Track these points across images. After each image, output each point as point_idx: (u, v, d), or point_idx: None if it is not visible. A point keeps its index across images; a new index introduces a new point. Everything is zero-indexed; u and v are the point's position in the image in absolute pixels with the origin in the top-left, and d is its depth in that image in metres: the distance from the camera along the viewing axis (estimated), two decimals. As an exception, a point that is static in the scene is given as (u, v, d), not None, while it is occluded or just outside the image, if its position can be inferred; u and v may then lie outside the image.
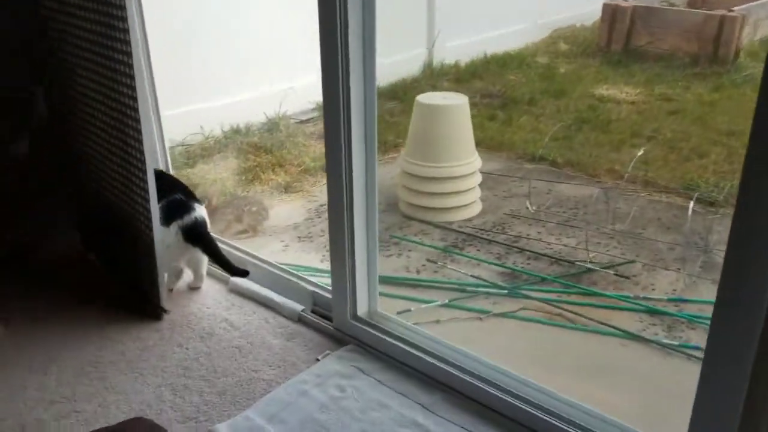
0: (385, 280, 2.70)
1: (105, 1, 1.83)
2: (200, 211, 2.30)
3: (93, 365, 2.05)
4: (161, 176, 2.24)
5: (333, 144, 1.90)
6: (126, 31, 1.79)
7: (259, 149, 3.69)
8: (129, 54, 1.81)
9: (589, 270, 2.74)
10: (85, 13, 1.97)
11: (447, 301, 2.55)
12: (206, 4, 3.75)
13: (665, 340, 2.32)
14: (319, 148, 3.84)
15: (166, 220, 2.18)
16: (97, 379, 1.99)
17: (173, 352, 2.10)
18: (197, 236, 2.27)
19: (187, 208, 2.25)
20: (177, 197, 2.24)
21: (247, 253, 2.49)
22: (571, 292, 2.62)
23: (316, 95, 4.23)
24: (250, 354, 2.08)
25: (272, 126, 3.96)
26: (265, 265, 2.41)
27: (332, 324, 2.15)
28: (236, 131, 3.92)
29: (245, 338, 2.15)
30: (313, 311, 2.24)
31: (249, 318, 2.25)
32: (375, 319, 2.11)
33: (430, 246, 2.97)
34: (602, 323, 2.41)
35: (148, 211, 2.00)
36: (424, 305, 2.54)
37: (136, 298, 2.29)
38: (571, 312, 2.47)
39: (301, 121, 4.20)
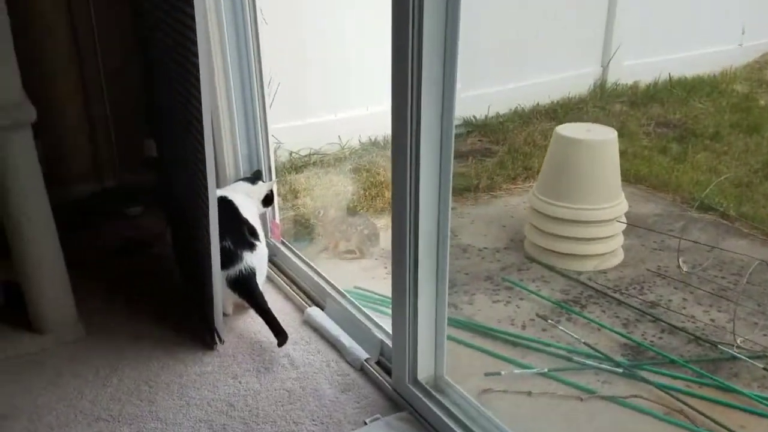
0: (482, 331, 2.42)
1: (181, 10, 1.75)
2: (249, 259, 2.17)
3: (149, 384, 2.01)
4: (226, 208, 2.16)
5: (399, 182, 1.67)
6: (195, 53, 1.69)
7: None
8: (197, 78, 1.72)
9: (733, 357, 2.24)
10: (171, 31, 1.93)
11: (546, 369, 2.21)
12: (352, 14, 3.64)
13: (813, 472, 1.81)
14: (456, 168, 3.61)
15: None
16: (146, 401, 1.94)
17: (225, 383, 2.00)
18: (241, 289, 2.16)
19: (233, 258, 2.14)
20: (225, 245, 2.10)
21: (332, 285, 2.34)
22: (702, 382, 2.15)
23: (463, 110, 4.04)
24: (298, 401, 1.92)
25: (412, 141, 3.78)
26: (343, 301, 2.24)
27: (391, 383, 1.93)
28: (374, 143, 3.80)
29: (300, 381, 2.00)
30: (378, 362, 2.03)
31: (312, 358, 2.10)
32: (438, 386, 1.85)
33: (545, 298, 2.62)
34: (732, 431, 1.94)
35: (209, 235, 1.91)
36: (518, 370, 2.22)
37: (201, 321, 2.23)
38: (696, 410, 2.02)
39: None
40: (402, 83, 1.56)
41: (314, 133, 3.65)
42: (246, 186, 2.44)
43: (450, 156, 1.65)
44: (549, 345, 2.34)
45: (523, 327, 2.47)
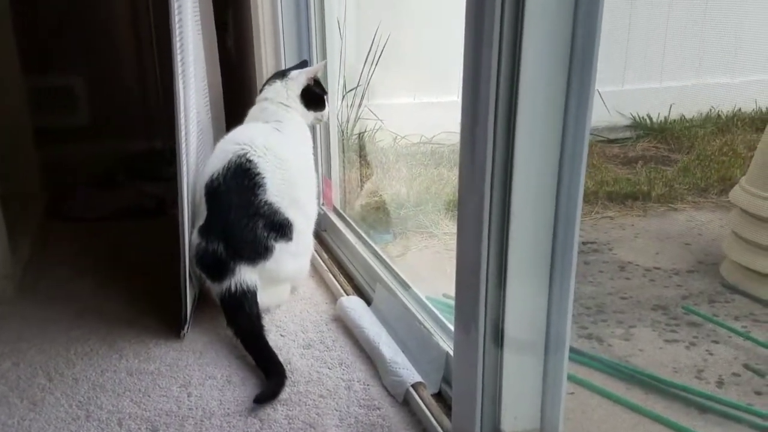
0: (645, 382, 1.39)
1: None
2: (245, 276, 1.32)
3: (50, 377, 1.20)
4: (240, 178, 1.35)
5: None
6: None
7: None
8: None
9: None
10: None
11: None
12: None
13: None
14: (620, 172, 2.64)
15: (201, 268, 1.37)
16: (27, 402, 1.13)
17: (166, 393, 1.14)
18: (228, 312, 1.32)
19: (221, 270, 1.32)
20: (214, 248, 1.33)
21: (391, 269, 1.43)
22: None
23: (636, 106, 3.04)
24: (271, 442, 1.01)
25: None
26: (401, 293, 1.32)
27: (449, 429, 0.97)
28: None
29: (290, 407, 1.09)
30: (440, 394, 1.08)
31: (326, 372, 1.18)
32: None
33: (758, 342, 1.54)
34: None
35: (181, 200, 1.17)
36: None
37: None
38: None
39: (608, 140, 2.96)
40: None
41: (429, 116, 2.82)
42: (275, 95, 1.51)
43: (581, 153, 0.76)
44: (763, 416, 1.28)
45: (720, 384, 1.41)
